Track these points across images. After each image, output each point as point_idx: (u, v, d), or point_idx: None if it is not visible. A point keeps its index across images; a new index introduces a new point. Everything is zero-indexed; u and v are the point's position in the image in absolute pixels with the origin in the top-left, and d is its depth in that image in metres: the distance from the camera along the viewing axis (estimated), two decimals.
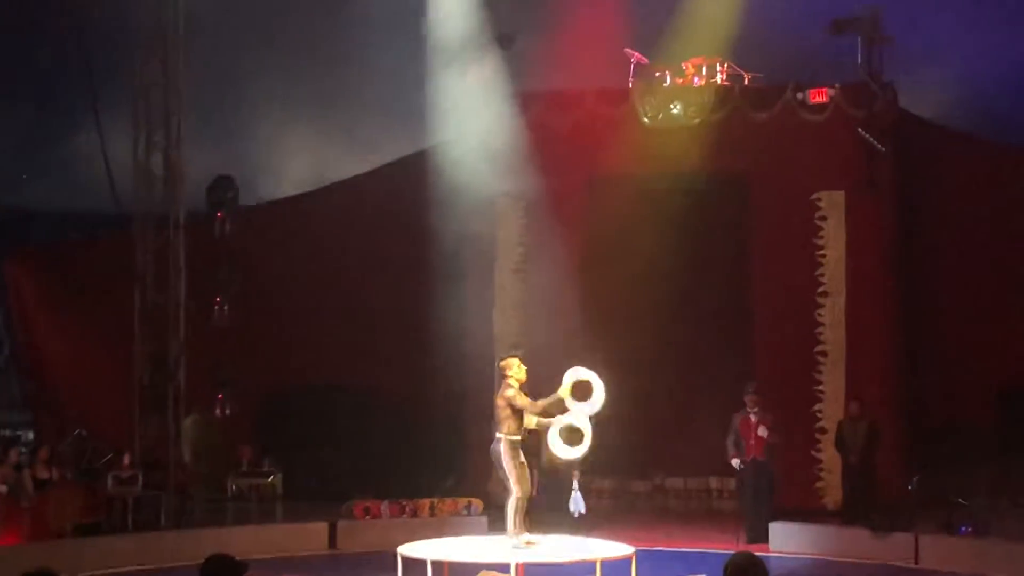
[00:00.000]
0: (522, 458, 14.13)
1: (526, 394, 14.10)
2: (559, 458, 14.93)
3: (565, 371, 14.21)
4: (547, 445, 14.64)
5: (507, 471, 14.05)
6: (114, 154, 22.59)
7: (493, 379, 19.73)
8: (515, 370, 14.17)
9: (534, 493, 17.02)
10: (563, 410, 14.27)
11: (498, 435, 14.06)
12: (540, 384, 14.44)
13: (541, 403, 14.03)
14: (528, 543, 14.01)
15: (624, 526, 18.64)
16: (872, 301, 21.03)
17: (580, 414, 14.22)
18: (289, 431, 22.75)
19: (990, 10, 21.23)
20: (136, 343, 19.98)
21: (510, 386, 14.08)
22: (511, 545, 13.93)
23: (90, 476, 19.84)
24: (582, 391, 14.09)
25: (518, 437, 14.05)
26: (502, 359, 14.62)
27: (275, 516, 20.83)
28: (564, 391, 14.00)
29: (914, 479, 19.28)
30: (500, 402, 14.10)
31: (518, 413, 14.06)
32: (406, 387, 22.71)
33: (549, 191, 21.40)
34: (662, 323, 21.39)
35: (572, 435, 14.40)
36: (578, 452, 14.42)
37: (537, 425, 14.23)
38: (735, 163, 21.63)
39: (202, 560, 7.44)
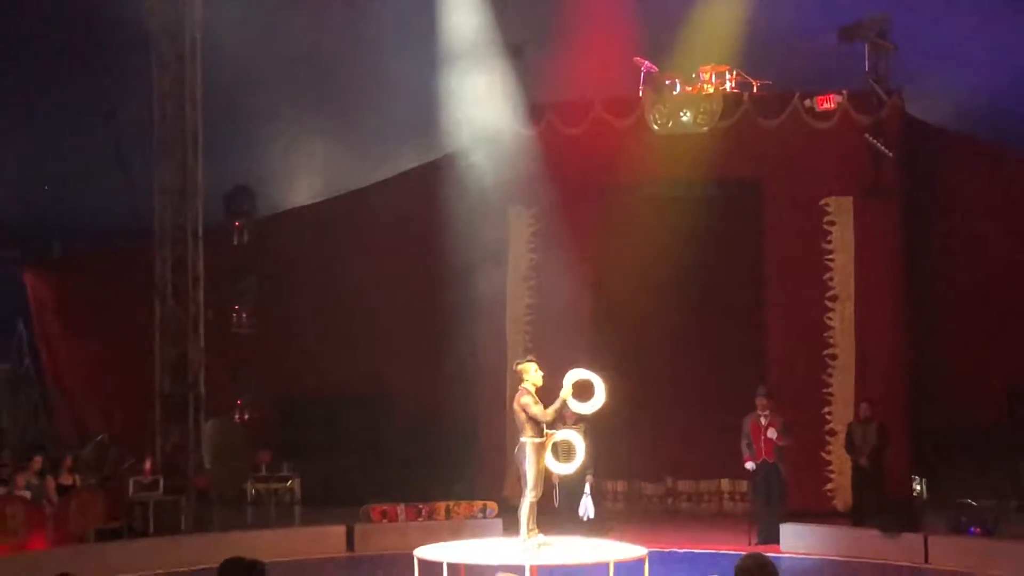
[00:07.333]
0: (545, 462, 14.15)
1: (539, 400, 14.14)
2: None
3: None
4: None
5: (527, 473, 14.08)
6: (132, 165, 22.74)
7: (505, 385, 20.05)
8: (531, 375, 14.06)
9: (556, 503, 17.25)
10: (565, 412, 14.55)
11: (522, 439, 14.02)
12: (547, 391, 14.47)
13: (551, 411, 13.90)
14: (542, 544, 14.10)
15: (636, 528, 18.78)
16: (881, 304, 21.20)
17: (570, 432, 14.57)
18: (307, 436, 22.96)
19: (997, 15, 21.35)
20: (156, 351, 20.13)
21: (526, 391, 14.00)
22: (525, 547, 14.05)
23: (112, 482, 20.09)
24: (583, 391, 14.20)
25: (541, 439, 13.98)
26: (518, 363, 14.38)
27: (294, 519, 21.03)
28: (565, 392, 13.94)
29: (921, 480, 19.43)
30: (516, 407, 14.05)
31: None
32: (421, 393, 22.92)
33: (560, 200, 21.58)
34: (673, 328, 21.56)
35: (565, 451, 14.70)
36: (572, 467, 14.66)
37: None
38: (744, 170, 21.79)
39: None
